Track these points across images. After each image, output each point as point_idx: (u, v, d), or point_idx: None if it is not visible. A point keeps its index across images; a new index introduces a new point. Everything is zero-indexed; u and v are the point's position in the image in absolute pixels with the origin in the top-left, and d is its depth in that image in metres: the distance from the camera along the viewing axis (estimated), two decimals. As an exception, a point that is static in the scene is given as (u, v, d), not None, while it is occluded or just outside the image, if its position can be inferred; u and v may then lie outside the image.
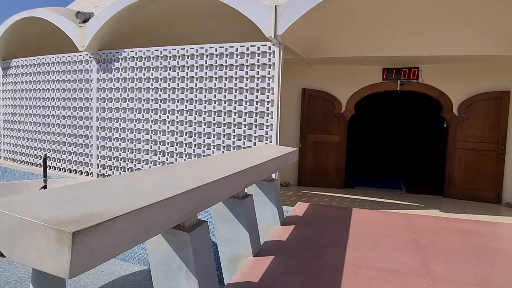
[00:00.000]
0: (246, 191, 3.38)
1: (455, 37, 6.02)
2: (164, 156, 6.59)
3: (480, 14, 5.69)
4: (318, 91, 7.96)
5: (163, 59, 6.44)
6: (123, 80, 6.89)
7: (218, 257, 3.34)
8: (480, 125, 7.08)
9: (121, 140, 7.01)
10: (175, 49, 6.33)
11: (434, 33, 6.09)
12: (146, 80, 6.66)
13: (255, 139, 5.92)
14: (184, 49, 6.25)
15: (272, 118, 5.77)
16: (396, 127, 11.89)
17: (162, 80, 6.47)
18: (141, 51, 6.67)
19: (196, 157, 6.31)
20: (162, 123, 6.55)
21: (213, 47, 6.05)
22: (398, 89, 7.61)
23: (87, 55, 7.24)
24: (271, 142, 5.80)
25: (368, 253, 3.38)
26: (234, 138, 6.04)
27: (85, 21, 6.89)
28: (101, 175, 7.35)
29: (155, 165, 6.65)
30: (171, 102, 6.43)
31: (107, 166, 7.25)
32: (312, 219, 4.52)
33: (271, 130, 5.79)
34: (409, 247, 3.60)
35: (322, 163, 8.01)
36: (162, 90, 6.49)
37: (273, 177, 4.28)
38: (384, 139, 12.02)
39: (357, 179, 8.83)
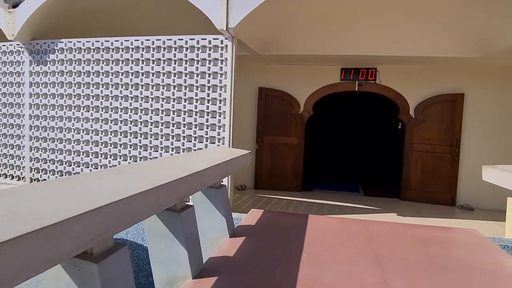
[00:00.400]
0: (190, 198, 2.94)
1: (413, 38, 5.90)
2: (107, 158, 5.95)
3: (439, 15, 5.60)
4: (276, 90, 7.63)
5: (104, 51, 5.81)
6: (59, 74, 6.16)
7: (152, 280, 2.86)
8: (436, 128, 7.07)
9: (57, 141, 6.28)
10: (118, 41, 5.72)
11: (392, 33, 5.94)
12: (85, 75, 5.98)
13: (207, 141, 5.46)
14: (128, 41, 5.67)
15: (224, 118, 5.34)
16: (355, 128, 11.87)
17: (104, 75, 5.84)
18: (80, 42, 5.99)
19: (142, 159, 5.74)
20: (104, 122, 5.92)
21: (160, 40, 5.51)
22: (356, 89, 7.45)
23: (18, 45, 6.43)
24: (223, 144, 5.37)
25: (323, 269, 3.03)
26: (184, 140, 5.54)
27: (14, 6, 6.09)
28: (35, 180, 6.56)
29: (96, 168, 6.00)
30: (113, 99, 5.81)
31: (42, 170, 6.47)
32: (265, 228, 4.14)
33: (224, 131, 5.36)
34: (368, 260, 3.31)
35: (279, 166, 7.69)
36: (104, 86, 5.85)
37: (223, 182, 3.86)
38: (343, 141, 11.97)
39: (315, 182, 8.61)
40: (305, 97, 7.60)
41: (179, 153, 5.57)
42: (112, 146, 5.88)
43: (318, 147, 11.54)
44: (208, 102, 5.40)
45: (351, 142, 11.88)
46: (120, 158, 5.86)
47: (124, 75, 5.72)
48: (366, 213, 6.14)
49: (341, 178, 9.53)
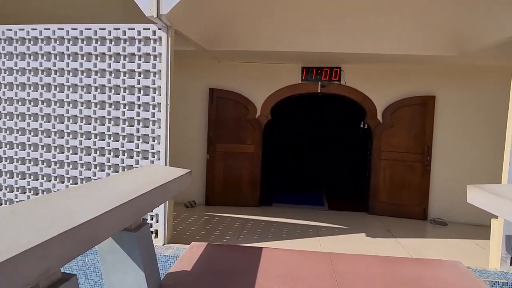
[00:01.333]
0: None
1: (381, 33, 5.14)
2: (11, 176, 4.72)
3: (410, 10, 4.86)
4: (229, 92, 6.67)
5: (6, 42, 4.58)
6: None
7: None
8: (405, 134, 6.40)
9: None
10: (23, 30, 4.52)
11: (357, 28, 5.15)
12: (-16, 72, 4.72)
13: (138, 156, 4.40)
14: (36, 29, 4.48)
15: (159, 127, 4.30)
16: (319, 134, 11.13)
17: (7, 72, 4.61)
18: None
19: (55, 179, 4.57)
20: (6, 131, 4.68)
21: (76, 29, 4.38)
22: (319, 91, 6.64)
23: None
24: (158, 159, 4.34)
25: None
26: (110, 154, 4.45)
27: None
28: None
29: (-1, 190, 4.76)
30: (19, 103, 4.60)
31: None
32: (204, 275, 3.17)
33: (159, 143, 4.32)
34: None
35: (234, 178, 6.74)
36: (7, 87, 4.63)
37: (143, 220, 2.84)
38: (305, 148, 11.20)
39: (275, 195, 7.74)
40: (262, 100, 6.70)
41: (104, 170, 4.47)
42: (18, 161, 4.67)
43: (277, 155, 10.70)
44: (139, 108, 4.34)
45: (314, 149, 11.13)
46: (29, 177, 4.66)
47: (31, 73, 4.52)
48: (331, 234, 5.33)
49: (304, 189, 8.72)
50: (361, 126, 11.17)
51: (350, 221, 6.08)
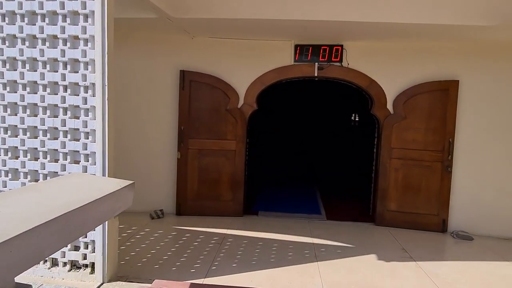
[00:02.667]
0: None
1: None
2: None
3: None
4: (205, 75, 5.38)
5: None
6: None
7: None
8: (421, 127, 5.20)
9: None
10: None
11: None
12: None
13: (65, 159, 3.12)
14: None
15: (94, 119, 3.02)
16: (315, 126, 9.92)
17: None
18: None
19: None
20: None
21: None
22: (316, 75, 5.40)
23: None
24: (93, 164, 3.06)
25: None
26: (26, 157, 3.16)
27: None
28: None
29: None
30: None
31: None
32: None
33: (94, 141, 3.04)
34: None
35: (212, 181, 5.49)
36: None
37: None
38: (298, 143, 9.97)
39: (262, 200, 6.52)
40: (246, 86, 5.44)
41: (18, 179, 3.17)
42: None
43: (265, 152, 9.48)
44: (65, 91, 3.05)
45: (309, 144, 9.92)
46: None
47: None
48: (333, 256, 4.14)
49: (296, 191, 7.50)
50: (352, 118, 10.08)
51: (354, 236, 4.89)
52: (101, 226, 3.01)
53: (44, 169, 3.12)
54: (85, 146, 3.06)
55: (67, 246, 2.98)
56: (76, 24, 2.97)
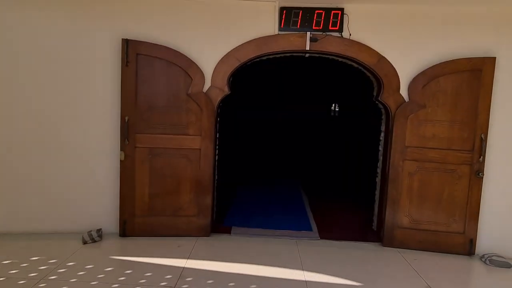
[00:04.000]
0: None
1: None
2: None
3: None
4: (158, 47, 3.94)
5: None
6: None
7: None
8: (445, 119, 3.97)
9: None
10: None
11: None
12: None
13: None
14: None
15: None
16: (304, 116, 8.64)
17: None
18: None
19: None
20: None
21: None
22: (308, 48, 4.06)
23: None
24: None
25: None
26: None
27: None
28: None
29: None
30: None
31: None
32: None
33: None
34: None
35: (169, 190, 4.11)
36: None
37: None
38: (283, 137, 8.65)
39: (236, 211, 5.18)
40: (214, 62, 4.04)
41: None
42: None
43: (240, 149, 8.14)
44: None
45: (297, 138, 8.62)
46: None
47: None
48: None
49: (280, 197, 6.17)
50: (333, 108, 8.87)
51: (359, 266, 3.63)
52: None
53: None
54: None
55: None
56: None
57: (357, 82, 6.05)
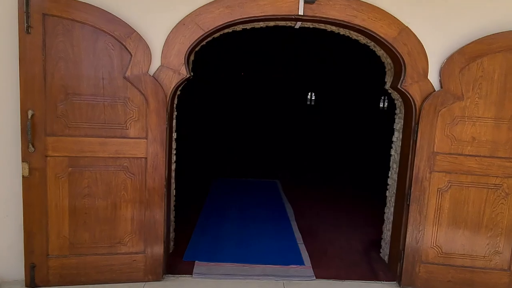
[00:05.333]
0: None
1: None
2: None
3: None
4: (80, 5, 2.61)
5: None
6: None
7: None
8: (490, 116, 2.87)
9: None
10: None
11: None
12: None
13: None
14: None
15: None
16: (295, 103, 7.48)
17: None
18: None
19: None
20: None
21: None
22: (301, 13, 2.83)
23: None
24: None
25: None
26: None
27: None
28: None
29: None
30: None
31: None
32: None
33: None
34: None
35: (100, 217, 2.82)
36: None
37: None
38: (264, 134, 7.46)
39: (201, 236, 3.89)
40: (165, 30, 2.76)
41: None
42: None
43: (207, 150, 6.91)
44: None
45: (282, 135, 7.46)
46: None
47: None
48: None
49: (259, 214, 4.79)
50: (308, 99, 7.77)
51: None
52: None
53: None
54: None
55: None
56: None
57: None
